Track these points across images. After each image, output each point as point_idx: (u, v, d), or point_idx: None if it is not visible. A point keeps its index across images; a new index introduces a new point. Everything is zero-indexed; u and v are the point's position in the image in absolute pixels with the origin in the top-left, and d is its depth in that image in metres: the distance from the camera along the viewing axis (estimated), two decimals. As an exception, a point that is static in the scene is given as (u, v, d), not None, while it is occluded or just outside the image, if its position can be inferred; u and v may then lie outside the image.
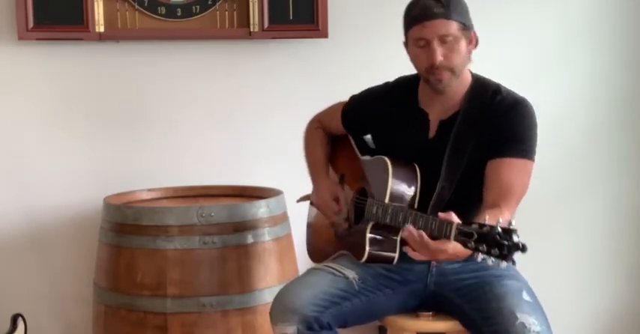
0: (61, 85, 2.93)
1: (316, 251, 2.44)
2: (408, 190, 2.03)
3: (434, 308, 2.12)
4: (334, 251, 2.28)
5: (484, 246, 1.63)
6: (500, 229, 1.62)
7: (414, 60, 2.08)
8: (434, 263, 2.09)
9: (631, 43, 3.22)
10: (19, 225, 2.93)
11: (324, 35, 2.95)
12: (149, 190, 2.81)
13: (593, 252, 3.31)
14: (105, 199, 2.62)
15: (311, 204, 2.45)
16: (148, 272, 2.43)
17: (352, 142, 2.35)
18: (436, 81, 2.04)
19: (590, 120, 3.24)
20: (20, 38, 2.79)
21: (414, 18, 2.03)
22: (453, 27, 1.99)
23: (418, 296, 2.13)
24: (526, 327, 1.87)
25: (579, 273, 3.30)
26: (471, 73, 2.15)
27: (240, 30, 2.93)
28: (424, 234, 1.79)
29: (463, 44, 2.02)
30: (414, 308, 2.13)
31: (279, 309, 2.02)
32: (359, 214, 2.17)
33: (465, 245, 1.68)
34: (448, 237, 1.73)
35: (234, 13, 2.93)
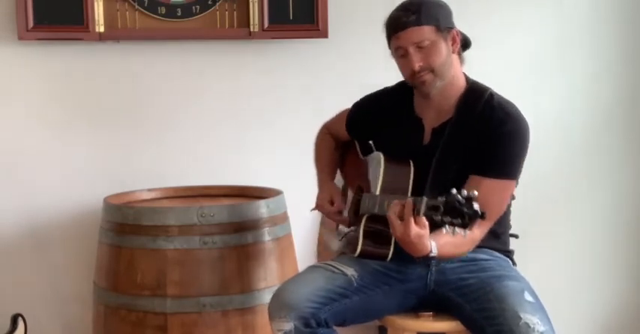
0: (61, 85, 2.92)
1: (325, 257, 2.44)
2: (400, 183, 2.05)
3: (434, 308, 2.12)
4: (338, 251, 2.29)
5: (448, 217, 1.72)
6: (460, 197, 1.71)
7: (400, 70, 2.13)
8: (433, 262, 2.09)
9: (631, 43, 3.22)
10: (19, 225, 2.93)
11: (324, 35, 2.95)
12: (149, 190, 2.81)
13: (593, 252, 3.31)
14: (105, 199, 2.62)
15: None
16: (148, 272, 2.43)
17: (357, 146, 2.37)
18: (420, 84, 2.08)
19: (590, 120, 3.24)
20: (20, 38, 2.79)
21: (388, 31, 2.10)
22: (426, 32, 2.03)
23: (418, 295, 2.13)
24: (530, 327, 1.87)
25: (579, 273, 3.29)
26: (466, 77, 2.15)
27: (240, 30, 2.93)
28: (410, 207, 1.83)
29: (442, 46, 2.05)
30: (413, 308, 2.13)
31: (277, 306, 2.03)
32: (357, 211, 2.19)
33: (432, 219, 1.77)
34: (419, 213, 1.80)
35: (234, 13, 2.93)
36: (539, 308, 1.95)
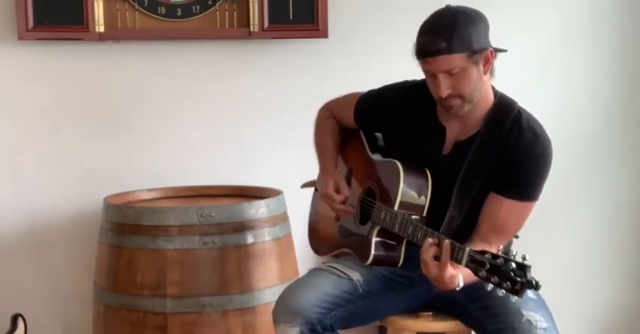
0: (61, 85, 2.92)
1: (317, 241, 2.43)
2: (418, 199, 2.00)
3: (435, 309, 2.12)
4: (335, 246, 2.27)
5: (496, 277, 1.64)
6: (514, 265, 1.62)
7: (428, 86, 2.04)
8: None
9: (631, 43, 3.22)
10: (19, 225, 2.93)
11: (324, 35, 2.95)
12: (149, 190, 2.81)
13: (593, 252, 3.31)
14: (105, 199, 2.62)
15: (316, 190, 2.44)
16: (148, 273, 2.43)
17: (363, 137, 2.29)
18: (448, 108, 1.99)
19: (590, 120, 3.24)
20: (20, 38, 2.79)
21: (417, 52, 1.96)
22: (457, 60, 1.91)
23: (422, 298, 2.12)
24: (532, 324, 1.87)
25: (579, 273, 3.29)
26: (495, 91, 2.07)
27: (240, 30, 2.93)
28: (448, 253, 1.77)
29: (473, 71, 1.94)
30: (415, 309, 2.13)
31: (283, 310, 2.01)
32: (365, 215, 2.15)
33: (475, 273, 1.69)
34: (459, 262, 1.74)
35: (234, 13, 2.93)
36: (541, 305, 1.95)
